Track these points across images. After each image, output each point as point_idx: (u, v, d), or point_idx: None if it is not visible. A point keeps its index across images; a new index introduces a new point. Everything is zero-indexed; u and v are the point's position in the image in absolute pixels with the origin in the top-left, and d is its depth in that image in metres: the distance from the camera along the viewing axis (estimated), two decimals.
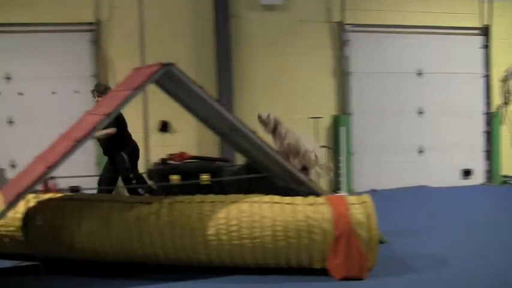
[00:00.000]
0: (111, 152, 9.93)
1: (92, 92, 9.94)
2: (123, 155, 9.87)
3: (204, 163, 11.11)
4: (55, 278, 6.97)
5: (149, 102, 12.00)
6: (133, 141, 10.26)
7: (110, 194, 9.36)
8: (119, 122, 9.74)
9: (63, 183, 9.71)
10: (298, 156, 8.46)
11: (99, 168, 11.94)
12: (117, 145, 9.84)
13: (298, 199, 7.01)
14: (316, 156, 8.62)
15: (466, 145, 13.77)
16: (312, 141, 8.88)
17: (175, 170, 10.64)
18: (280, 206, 6.84)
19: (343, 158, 11.88)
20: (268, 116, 8.58)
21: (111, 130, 9.62)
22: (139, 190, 10.00)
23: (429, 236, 8.84)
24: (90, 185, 9.90)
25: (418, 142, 13.58)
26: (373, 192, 10.88)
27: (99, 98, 9.76)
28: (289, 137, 8.46)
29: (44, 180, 6.81)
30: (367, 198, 6.99)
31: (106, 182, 10.03)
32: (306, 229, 6.68)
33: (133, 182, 9.93)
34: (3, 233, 7.57)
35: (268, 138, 8.09)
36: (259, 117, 8.59)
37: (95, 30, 12.03)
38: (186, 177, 10.16)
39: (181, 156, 11.20)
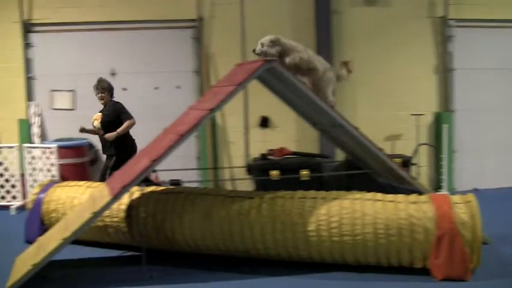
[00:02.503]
0: (113, 149, 9.69)
1: (96, 87, 9.81)
2: (121, 151, 9.55)
3: (304, 159, 11.13)
4: (157, 269, 7.10)
5: (249, 97, 12.08)
6: (135, 144, 9.94)
7: (210, 188, 9.40)
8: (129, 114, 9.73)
9: (164, 176, 9.92)
10: (312, 74, 7.86)
11: (200, 162, 12.16)
12: (121, 142, 9.66)
13: (401, 197, 6.91)
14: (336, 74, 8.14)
15: None
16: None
17: (275, 165, 10.69)
18: (383, 203, 6.76)
19: (445, 156, 11.63)
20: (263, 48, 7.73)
21: (133, 120, 9.62)
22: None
23: None
24: (190, 178, 10.05)
25: None
26: (475, 192, 10.60)
27: (103, 95, 9.77)
28: (301, 51, 7.78)
29: (147, 173, 6.95)
30: (471, 197, 6.82)
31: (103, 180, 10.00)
32: (408, 227, 6.58)
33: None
34: (108, 223, 7.84)
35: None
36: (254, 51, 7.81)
37: (197, 27, 12.19)
38: (285, 172, 10.19)
39: (281, 151, 11.26)
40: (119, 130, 9.50)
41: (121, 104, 9.78)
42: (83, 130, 9.72)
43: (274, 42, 7.55)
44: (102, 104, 9.82)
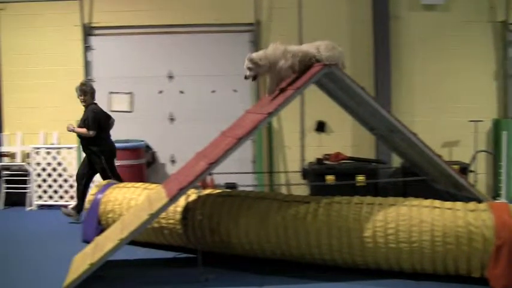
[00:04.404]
0: (87, 149, 10.23)
1: (77, 90, 10.25)
2: (100, 155, 10.11)
3: (360, 164, 11.07)
4: (212, 272, 7.08)
5: (306, 102, 12.06)
6: (111, 141, 10.48)
7: (266, 192, 9.44)
8: (99, 124, 10.12)
9: (220, 180, 9.96)
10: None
11: (255, 166, 12.18)
12: (93, 144, 10.14)
13: (459, 204, 6.78)
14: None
15: None
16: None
17: (330, 170, 10.67)
18: (440, 210, 6.65)
19: (503, 163, 11.42)
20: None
21: (90, 133, 10.03)
22: None
23: None
24: (245, 182, 10.06)
25: None
26: None
27: (85, 97, 10.20)
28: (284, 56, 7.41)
29: (204, 176, 6.98)
30: None
31: (81, 177, 10.34)
32: (466, 236, 6.45)
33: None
34: (163, 224, 7.89)
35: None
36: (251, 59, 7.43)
37: (255, 31, 12.24)
38: (341, 178, 10.15)
39: (337, 156, 11.22)
40: (76, 129, 10.16)
41: (96, 112, 10.23)
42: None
43: (254, 62, 7.37)
44: (84, 106, 10.28)
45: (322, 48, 7.37)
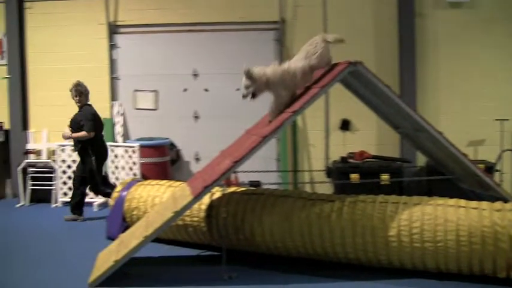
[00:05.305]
0: (81, 150, 10.19)
1: (71, 90, 10.27)
2: (91, 155, 10.09)
3: (384, 163, 11.02)
4: (236, 270, 7.09)
5: (330, 100, 12.03)
6: (105, 143, 10.51)
7: (291, 190, 9.43)
8: (96, 124, 10.14)
9: (244, 178, 9.97)
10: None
11: (280, 164, 12.18)
12: (89, 144, 10.11)
13: (485, 204, 6.71)
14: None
15: None
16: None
17: (355, 168, 10.63)
18: (466, 210, 6.59)
19: None
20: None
21: (91, 134, 10.02)
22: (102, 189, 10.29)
23: None
24: (269, 180, 10.06)
25: None
26: None
27: (80, 98, 10.22)
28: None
29: (229, 174, 7.00)
30: None
31: (78, 181, 10.35)
32: (492, 236, 6.38)
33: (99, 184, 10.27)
34: (188, 222, 7.91)
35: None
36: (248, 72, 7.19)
37: (279, 29, 12.22)
38: (365, 176, 10.11)
39: (361, 155, 11.19)
40: (73, 134, 10.09)
41: (91, 112, 10.22)
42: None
43: (250, 75, 7.14)
44: (78, 106, 10.27)
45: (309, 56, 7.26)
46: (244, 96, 7.22)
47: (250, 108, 11.62)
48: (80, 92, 10.21)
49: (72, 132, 10.14)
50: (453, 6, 11.95)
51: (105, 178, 10.61)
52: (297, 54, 7.44)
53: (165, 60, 12.54)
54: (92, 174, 10.16)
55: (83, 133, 9.98)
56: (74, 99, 10.25)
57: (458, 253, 6.51)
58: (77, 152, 10.36)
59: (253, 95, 7.21)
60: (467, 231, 6.44)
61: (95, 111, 10.28)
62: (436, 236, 6.55)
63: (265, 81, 7.15)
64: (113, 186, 10.11)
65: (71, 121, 10.22)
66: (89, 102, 10.35)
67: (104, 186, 10.29)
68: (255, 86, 7.15)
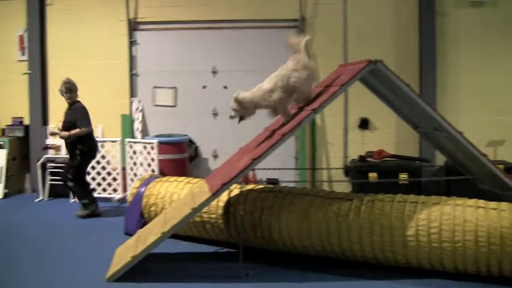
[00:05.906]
0: (72, 146, 10.14)
1: (60, 89, 10.29)
2: (81, 150, 10.07)
3: (403, 162, 10.97)
4: (253, 267, 7.12)
5: (349, 99, 12.00)
6: (95, 140, 10.49)
7: (308, 188, 9.44)
8: (88, 121, 10.14)
9: (262, 175, 9.97)
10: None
11: (298, 162, 12.17)
12: (79, 141, 10.09)
13: (504, 205, 6.66)
14: None
15: None
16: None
17: (373, 167, 10.60)
18: (485, 210, 6.54)
19: None
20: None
21: (85, 130, 10.01)
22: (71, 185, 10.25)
23: None
24: (287, 177, 10.05)
25: None
26: None
27: (70, 94, 10.23)
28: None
29: (248, 171, 7.00)
30: None
31: (69, 179, 10.28)
32: (511, 237, 6.36)
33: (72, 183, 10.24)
34: (205, 219, 7.93)
35: None
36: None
37: (299, 27, 12.19)
38: (384, 175, 10.08)
39: (380, 154, 11.15)
40: (71, 132, 10.02)
41: (83, 108, 10.23)
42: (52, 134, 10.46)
43: (239, 101, 7.28)
44: (68, 103, 10.34)
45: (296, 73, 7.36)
46: (232, 117, 7.41)
47: None
48: (70, 89, 10.23)
49: (62, 130, 10.22)
50: (474, 5, 11.86)
51: (87, 183, 10.65)
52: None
53: (184, 57, 12.55)
54: (75, 170, 10.16)
55: (76, 130, 10.01)
56: (63, 96, 10.28)
57: (477, 254, 6.47)
58: (66, 147, 10.42)
59: (241, 118, 7.39)
60: (486, 232, 6.40)
61: (85, 106, 10.31)
62: (455, 236, 6.51)
63: (251, 107, 7.34)
64: (91, 195, 10.37)
65: (64, 119, 10.28)
66: (78, 99, 10.38)
67: (81, 187, 10.31)
68: (244, 111, 7.33)
